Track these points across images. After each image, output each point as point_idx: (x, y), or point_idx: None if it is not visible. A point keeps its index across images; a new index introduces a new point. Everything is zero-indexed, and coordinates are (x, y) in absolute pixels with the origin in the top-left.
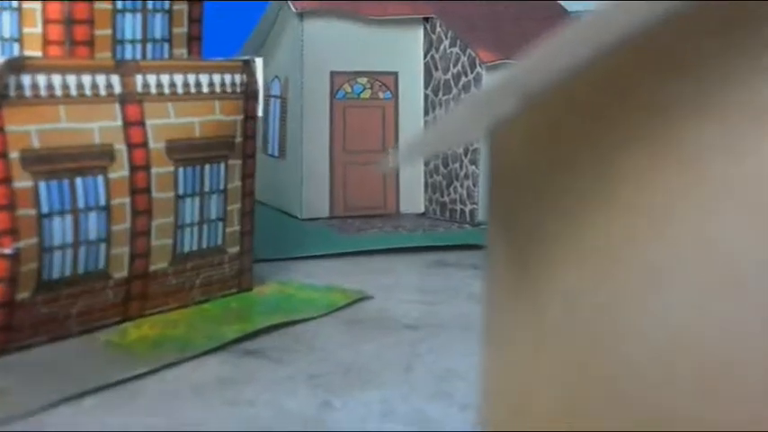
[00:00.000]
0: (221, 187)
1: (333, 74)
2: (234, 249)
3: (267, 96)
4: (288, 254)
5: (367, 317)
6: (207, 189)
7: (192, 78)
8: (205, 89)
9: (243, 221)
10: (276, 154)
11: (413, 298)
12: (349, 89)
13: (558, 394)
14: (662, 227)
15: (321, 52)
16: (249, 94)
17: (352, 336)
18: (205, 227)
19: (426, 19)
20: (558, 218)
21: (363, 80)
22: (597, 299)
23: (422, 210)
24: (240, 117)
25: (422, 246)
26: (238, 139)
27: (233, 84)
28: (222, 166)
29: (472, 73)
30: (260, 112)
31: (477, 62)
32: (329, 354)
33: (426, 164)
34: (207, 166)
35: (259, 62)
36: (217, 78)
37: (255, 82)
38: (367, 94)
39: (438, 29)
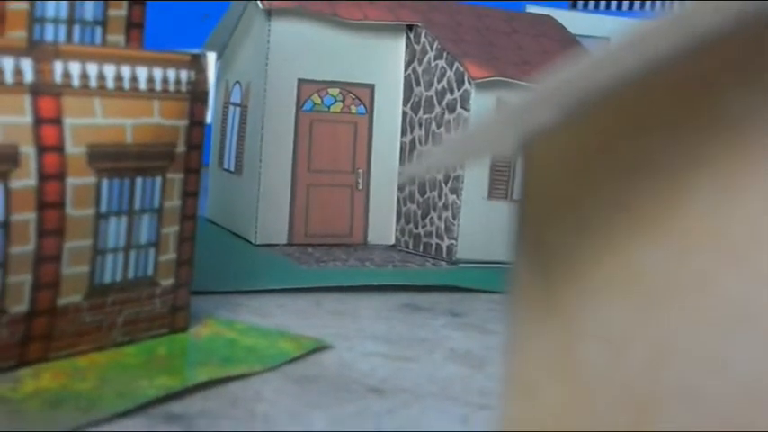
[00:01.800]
0: (156, 206)
1: (301, 82)
2: (167, 281)
3: (226, 103)
4: (236, 286)
5: (323, 374)
6: (137, 207)
7: (126, 71)
8: (142, 85)
9: (181, 248)
10: (232, 169)
11: (379, 350)
12: (318, 100)
13: None
14: (729, 265)
15: (289, 57)
16: (197, 95)
17: (304, 401)
18: (132, 253)
19: (410, 27)
20: (600, 248)
21: (335, 91)
22: (642, 344)
23: (392, 241)
24: (184, 122)
25: (391, 284)
26: (180, 149)
27: (177, 81)
28: (158, 180)
29: (459, 90)
30: (209, 118)
31: (466, 78)
32: (272, 426)
33: (400, 189)
34: (139, 180)
35: (211, 57)
36: (158, 74)
37: (206, 81)
38: (338, 107)
39: (423, 39)
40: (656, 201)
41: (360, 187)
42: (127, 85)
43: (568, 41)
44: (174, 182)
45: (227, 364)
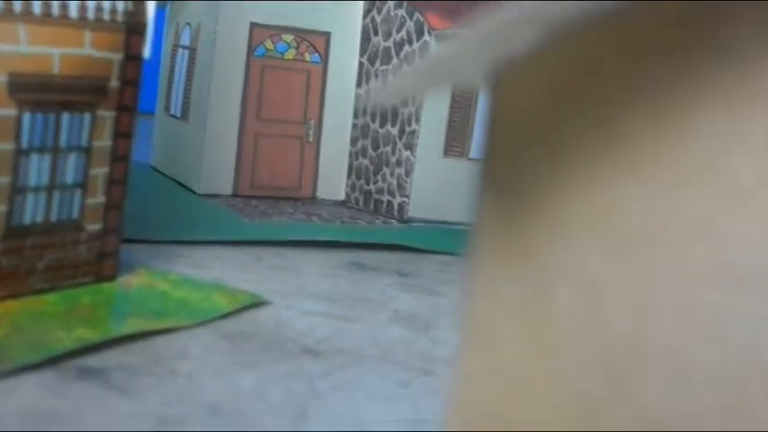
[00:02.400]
0: (84, 144)
1: (253, 26)
2: (95, 226)
3: (175, 46)
4: (174, 236)
5: (257, 332)
6: (63, 145)
7: None
8: (73, 12)
9: (110, 191)
10: (179, 115)
11: (320, 309)
12: (271, 46)
13: (560, 399)
14: (730, 208)
15: None
16: (134, 26)
17: (233, 359)
18: (56, 194)
19: None
20: (578, 184)
21: (289, 37)
22: (624, 297)
23: (342, 197)
24: (118, 55)
25: (337, 241)
26: (114, 84)
27: (113, 11)
28: (87, 117)
29: (418, 41)
30: (147, 52)
31: (426, 29)
32: (195, 385)
33: (352, 142)
34: (65, 115)
35: None
36: (91, 1)
37: (144, 12)
38: (291, 54)
39: None
40: (646, 130)
41: (310, 139)
42: (56, 11)
43: None
44: (106, 120)
45: (155, 318)
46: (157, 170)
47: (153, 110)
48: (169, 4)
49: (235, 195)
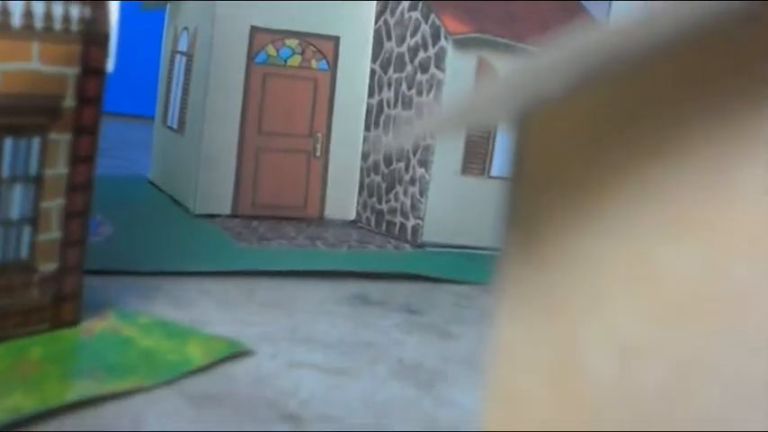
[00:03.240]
0: (32, 173)
1: (254, 30)
2: (49, 266)
3: (173, 52)
4: (154, 266)
5: (230, 392)
6: (5, 175)
7: None
8: (17, 20)
9: (68, 226)
10: (175, 127)
11: (310, 359)
12: (273, 52)
13: None
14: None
15: (240, 1)
16: (93, 36)
17: (196, 430)
18: (0, 231)
19: None
20: (613, 241)
21: (293, 42)
22: (660, 359)
23: (352, 216)
24: (74, 70)
25: (340, 271)
26: (68, 103)
27: (66, 18)
28: (36, 141)
29: (434, 47)
30: (111, 65)
31: (443, 33)
32: None
33: (364, 158)
34: (8, 140)
35: None
36: (39, 6)
37: (106, 18)
38: (296, 60)
39: None
40: (688, 187)
41: (318, 154)
42: None
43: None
44: (59, 144)
45: (111, 376)
46: (154, 184)
47: (149, 114)
48: (168, 6)
49: (234, 216)
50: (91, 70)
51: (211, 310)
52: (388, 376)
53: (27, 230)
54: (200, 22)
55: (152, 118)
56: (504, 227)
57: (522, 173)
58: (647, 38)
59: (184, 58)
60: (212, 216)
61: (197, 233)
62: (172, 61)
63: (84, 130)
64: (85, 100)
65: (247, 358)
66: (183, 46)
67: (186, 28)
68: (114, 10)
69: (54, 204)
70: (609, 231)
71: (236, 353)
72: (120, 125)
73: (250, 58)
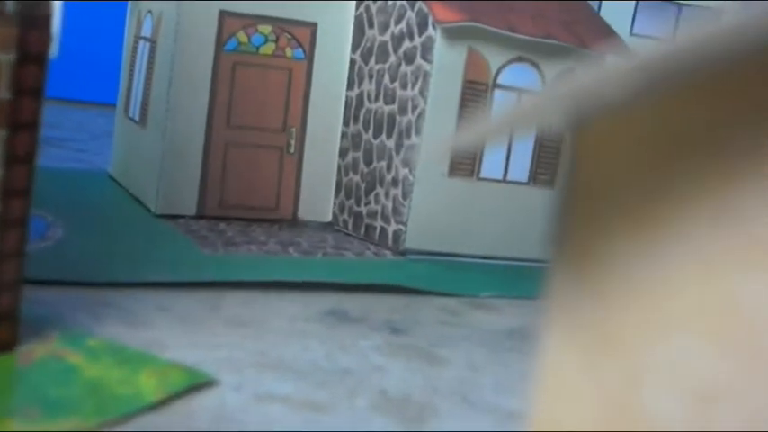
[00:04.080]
0: None
1: (223, 14)
2: None
3: (137, 38)
4: (109, 276)
5: None
6: None
7: None
8: None
9: (3, 238)
10: (137, 118)
11: (282, 390)
12: (245, 39)
13: None
14: None
15: None
16: (32, 18)
17: None
18: None
19: None
20: (683, 269)
21: (266, 29)
22: (738, 402)
23: (328, 218)
24: (8, 56)
25: (314, 282)
26: (2, 95)
27: None
28: None
29: (421, 36)
30: (54, 52)
31: (430, 21)
32: None
33: (341, 154)
34: None
35: None
36: None
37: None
38: (270, 48)
39: None
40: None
41: (291, 150)
42: None
43: None
44: None
45: (50, 414)
46: (114, 180)
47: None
48: None
49: (199, 216)
50: (29, 57)
51: (170, 329)
52: (370, 410)
53: None
54: (165, 5)
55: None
56: (554, 243)
57: (577, 187)
58: (727, 50)
59: (148, 45)
60: (175, 217)
61: (157, 237)
62: (135, 47)
63: (22, 126)
64: (23, 90)
65: (209, 390)
66: (146, 31)
67: (150, 11)
68: None
69: None
70: (677, 257)
71: (197, 384)
72: (81, 113)
73: (219, 45)
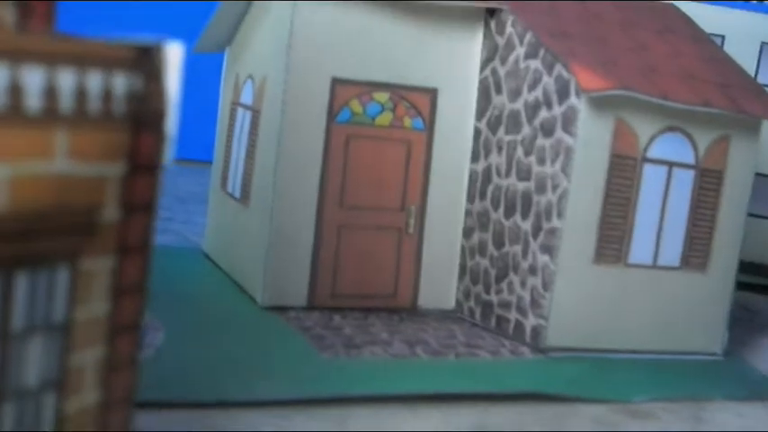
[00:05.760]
0: (57, 318)
1: (336, 82)
2: None
3: (235, 104)
4: (218, 394)
5: None
6: (19, 325)
7: (4, 74)
8: (34, 100)
9: (110, 383)
10: (237, 195)
11: None
12: (359, 109)
13: None
14: None
15: (320, 47)
16: (144, 117)
17: None
18: (10, 407)
19: (490, 11)
20: None
21: (383, 96)
22: None
23: (451, 305)
24: (117, 167)
25: (452, 394)
26: (110, 215)
27: (107, 95)
28: (63, 273)
29: (561, 104)
30: (170, 158)
31: (573, 88)
32: None
33: (466, 234)
34: (21, 276)
35: (174, 51)
36: (66, 79)
37: (161, 94)
38: (386, 118)
39: (509, 28)
40: None
41: (411, 230)
42: (3, 99)
43: (700, 39)
44: (97, 273)
45: None
46: (211, 260)
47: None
48: (228, 49)
49: (311, 307)
50: (142, 166)
51: None
52: None
53: (50, 399)
54: (270, 70)
55: (200, 161)
56: None
57: None
58: None
59: (249, 114)
60: (284, 309)
61: (268, 338)
62: (232, 115)
63: (132, 250)
64: (134, 207)
65: None
66: (246, 98)
67: (251, 76)
68: (174, 78)
69: (89, 357)
70: None
71: None
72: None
73: (331, 115)
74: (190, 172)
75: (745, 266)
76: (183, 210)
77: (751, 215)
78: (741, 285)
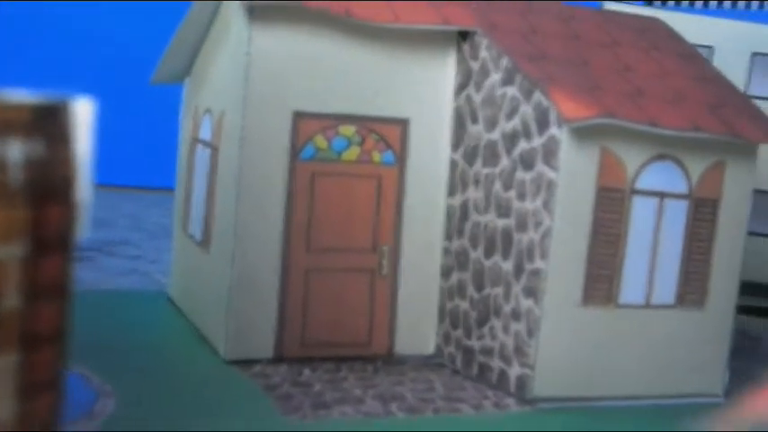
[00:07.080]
0: None
1: (298, 116)
2: None
3: (194, 140)
4: None
5: None
6: None
7: None
8: None
9: None
10: (198, 239)
11: None
12: (324, 144)
13: None
14: None
15: (280, 77)
16: (47, 189)
17: None
18: None
19: (464, 35)
20: None
21: (349, 130)
22: None
23: (430, 350)
24: (18, 249)
25: None
26: (11, 303)
27: (1, 165)
28: None
29: (542, 135)
30: (86, 232)
31: (553, 117)
32: None
33: (444, 274)
34: None
35: (83, 108)
36: None
37: (68, 161)
38: (354, 153)
39: (483, 52)
40: None
41: (384, 272)
42: None
43: (688, 55)
44: None
45: None
46: (176, 305)
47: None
48: (186, 81)
49: (278, 359)
50: (49, 243)
51: None
52: None
53: None
54: (227, 104)
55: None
56: None
57: None
58: None
59: (207, 151)
60: (249, 362)
61: (229, 399)
62: (192, 152)
63: (41, 342)
64: (41, 292)
65: None
66: (205, 134)
67: (209, 110)
68: (85, 137)
69: None
70: None
71: None
72: (134, 203)
73: (294, 152)
74: (164, 201)
75: (744, 286)
76: (152, 247)
77: (751, 233)
78: (740, 309)
